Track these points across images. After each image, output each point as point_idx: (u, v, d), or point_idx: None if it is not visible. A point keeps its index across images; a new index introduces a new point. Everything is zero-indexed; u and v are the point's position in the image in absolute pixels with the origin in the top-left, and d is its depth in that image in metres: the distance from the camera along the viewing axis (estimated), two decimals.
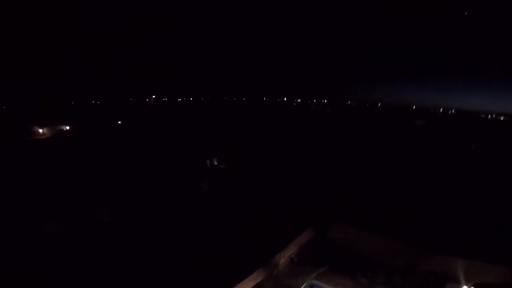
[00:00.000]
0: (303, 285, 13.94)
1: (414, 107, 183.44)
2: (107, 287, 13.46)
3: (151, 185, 25.57)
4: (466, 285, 13.66)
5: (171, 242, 17.42)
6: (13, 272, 14.11)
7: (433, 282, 14.69)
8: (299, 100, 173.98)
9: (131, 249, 16.49)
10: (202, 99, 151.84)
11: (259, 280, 14.52)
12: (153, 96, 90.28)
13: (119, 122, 69.94)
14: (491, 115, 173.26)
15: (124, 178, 27.40)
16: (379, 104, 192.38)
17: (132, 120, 72.07)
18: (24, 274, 14.04)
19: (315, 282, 14.33)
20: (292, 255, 16.39)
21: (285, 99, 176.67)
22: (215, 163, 33.97)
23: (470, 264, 14.31)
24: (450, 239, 17.27)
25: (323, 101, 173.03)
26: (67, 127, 58.65)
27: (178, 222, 20.27)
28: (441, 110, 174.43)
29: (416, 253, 16.15)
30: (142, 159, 33.98)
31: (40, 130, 53.15)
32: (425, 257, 15.78)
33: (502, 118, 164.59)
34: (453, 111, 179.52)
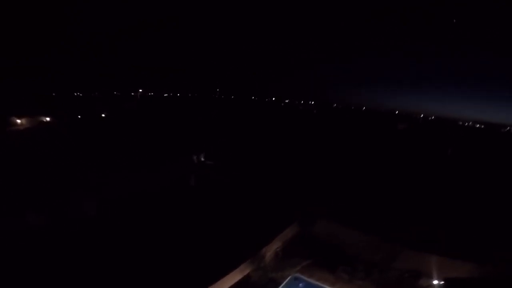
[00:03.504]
0: (288, 278, 14.49)
1: (397, 112, 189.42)
2: (93, 281, 13.26)
3: (138, 179, 25.31)
4: (437, 280, 14.69)
5: (158, 236, 17.47)
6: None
7: (407, 278, 15.72)
8: (287, 101, 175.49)
9: (118, 244, 16.38)
10: (190, 95, 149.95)
11: (246, 272, 15.06)
12: (140, 90, 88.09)
13: (103, 115, 68.22)
14: (468, 123, 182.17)
15: (110, 172, 26.96)
16: (364, 108, 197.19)
17: (117, 113, 70.33)
18: (5, 267, 13.59)
19: (298, 275, 14.93)
20: (278, 249, 17.00)
21: (273, 99, 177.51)
22: (202, 159, 34.02)
23: (441, 260, 15.38)
24: (424, 236, 18.43)
25: (310, 102, 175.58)
26: (48, 118, 56.69)
27: (165, 216, 20.28)
28: (421, 116, 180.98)
29: (392, 248, 17.11)
30: (128, 153, 33.47)
31: (18, 121, 51.20)
32: (401, 252, 16.78)
33: (477, 126, 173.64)
34: (432, 117, 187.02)
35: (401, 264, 16.36)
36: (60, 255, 15.06)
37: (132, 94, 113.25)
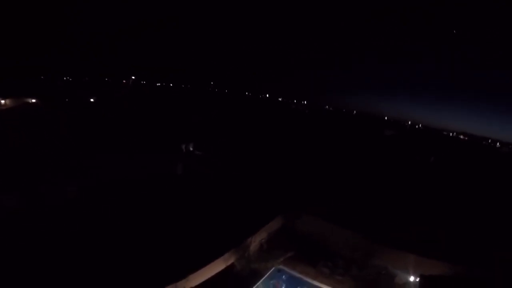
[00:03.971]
0: (271, 270, 14.66)
1: (385, 118, 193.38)
2: (68, 268, 12.67)
3: (122, 165, 24.86)
4: (413, 275, 15.23)
5: (141, 224, 17.18)
6: None
7: (385, 274, 16.24)
8: (280, 99, 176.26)
9: (97, 229, 15.91)
10: (183, 86, 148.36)
11: (230, 262, 15.18)
12: (133, 77, 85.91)
13: (92, 100, 66.61)
14: (453, 133, 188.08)
15: (94, 156, 26.38)
16: (354, 112, 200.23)
17: (106, 99, 68.87)
18: None
19: (282, 267, 15.14)
20: (262, 241, 17.19)
21: (267, 95, 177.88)
22: (191, 148, 33.74)
23: (417, 259, 15.81)
24: (402, 234, 19.04)
25: (303, 102, 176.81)
26: (33, 100, 54.87)
27: (149, 204, 19.99)
28: (409, 123, 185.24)
29: (372, 245, 17.61)
30: (113, 139, 32.87)
31: (2, 101, 49.29)
32: (380, 250, 17.27)
33: (461, 137, 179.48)
34: (420, 126, 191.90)
35: (379, 260, 16.88)
36: (35, 239, 14.50)
37: (124, 81, 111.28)
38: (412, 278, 15.13)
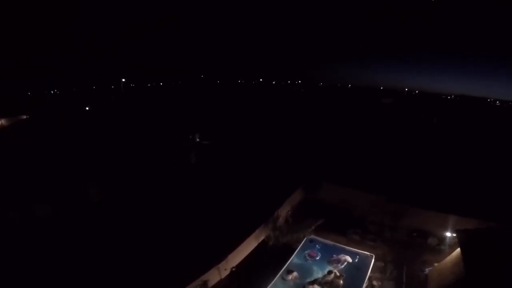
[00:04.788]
0: (303, 240, 14.54)
1: (381, 88, 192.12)
2: (106, 273, 12.51)
3: (138, 159, 24.65)
4: (450, 232, 15.03)
5: (170, 213, 17.33)
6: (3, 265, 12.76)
7: (417, 236, 16.15)
8: (274, 82, 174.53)
9: (129, 230, 15.80)
10: (173, 83, 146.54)
11: (261, 238, 15.06)
12: (123, 80, 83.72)
13: (87, 108, 65.57)
14: (450, 96, 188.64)
15: (110, 154, 26.13)
16: (349, 85, 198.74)
17: (102, 105, 67.95)
18: (16, 265, 12.76)
19: (313, 237, 14.99)
20: (288, 214, 17.05)
21: (260, 80, 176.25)
22: (197, 139, 33.56)
23: (447, 218, 15.51)
24: (428, 194, 18.88)
25: (297, 82, 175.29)
26: (25, 116, 53.82)
27: (173, 193, 20.09)
28: (406, 90, 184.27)
29: (399, 207, 17.39)
30: (123, 137, 32.54)
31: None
32: (408, 211, 17.03)
33: (458, 99, 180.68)
34: (416, 92, 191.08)
35: (409, 223, 16.76)
36: (70, 246, 14.41)
37: (112, 87, 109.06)
38: (448, 234, 14.90)
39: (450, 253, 12.94)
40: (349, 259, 13.16)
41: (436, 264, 13.33)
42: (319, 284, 11.65)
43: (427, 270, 13.30)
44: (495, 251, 10.09)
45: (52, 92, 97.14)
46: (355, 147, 29.72)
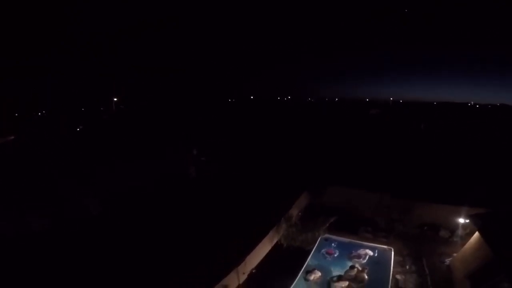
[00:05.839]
0: (318, 240, 14.31)
1: (367, 100, 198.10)
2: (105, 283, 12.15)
3: (137, 173, 24.12)
4: (461, 220, 15.04)
5: (175, 221, 16.95)
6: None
7: (428, 230, 16.24)
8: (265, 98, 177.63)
9: (128, 241, 15.31)
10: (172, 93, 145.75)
11: (275, 240, 14.80)
12: (115, 99, 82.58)
13: (78, 129, 64.34)
14: (435, 103, 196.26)
15: (109, 167, 25.56)
16: (336, 99, 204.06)
17: (94, 123, 67.10)
18: (12, 279, 12.22)
19: (327, 235, 14.81)
20: (299, 214, 16.96)
21: (251, 97, 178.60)
22: (195, 153, 33.22)
23: (456, 210, 15.48)
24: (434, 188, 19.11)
25: (286, 98, 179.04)
26: (12, 137, 52.37)
27: (175, 206, 19.63)
28: (391, 99, 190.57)
29: (405, 204, 17.51)
30: (122, 151, 31.96)
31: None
32: (415, 206, 17.18)
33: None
34: (401, 101, 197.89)
35: (417, 217, 16.82)
36: (67, 257, 13.82)
37: (101, 108, 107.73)
38: (460, 222, 14.96)
39: (464, 244, 13.04)
40: (370, 253, 13.03)
41: (455, 254, 13.30)
42: (343, 280, 11.39)
43: (447, 261, 13.23)
44: None
45: (39, 113, 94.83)
46: (355, 150, 30.22)
